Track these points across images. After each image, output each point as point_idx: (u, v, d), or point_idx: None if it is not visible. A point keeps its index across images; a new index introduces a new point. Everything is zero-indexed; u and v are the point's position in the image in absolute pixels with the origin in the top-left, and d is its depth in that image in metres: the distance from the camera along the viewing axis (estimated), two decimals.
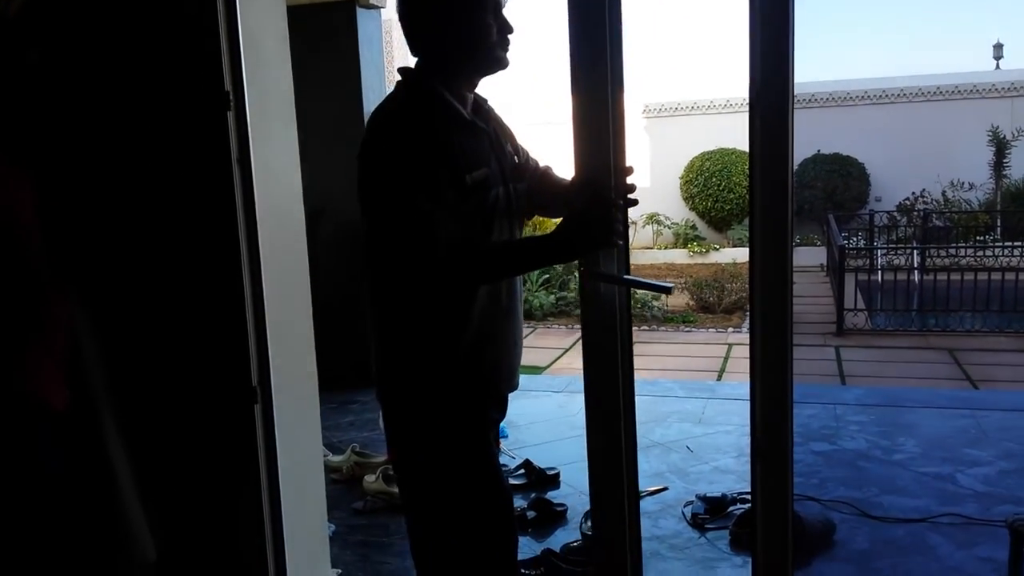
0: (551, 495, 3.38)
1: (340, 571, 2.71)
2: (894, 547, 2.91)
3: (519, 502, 3.16)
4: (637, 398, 5.08)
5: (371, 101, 5.01)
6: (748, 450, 1.77)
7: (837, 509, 3.16)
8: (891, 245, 11.00)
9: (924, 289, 8.98)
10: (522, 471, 3.53)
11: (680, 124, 14.27)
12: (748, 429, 1.74)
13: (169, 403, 2.43)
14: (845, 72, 14.91)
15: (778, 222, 1.62)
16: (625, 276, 1.75)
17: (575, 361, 7.66)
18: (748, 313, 1.84)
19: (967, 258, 9.88)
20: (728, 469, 3.66)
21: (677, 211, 13.51)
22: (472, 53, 1.69)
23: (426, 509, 1.83)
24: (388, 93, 1.77)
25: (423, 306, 1.71)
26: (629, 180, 1.73)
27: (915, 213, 11.93)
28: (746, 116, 1.66)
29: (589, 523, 3.02)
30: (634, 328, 8.04)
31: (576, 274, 9.86)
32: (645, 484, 3.48)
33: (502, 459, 2.28)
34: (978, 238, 11.51)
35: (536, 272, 9.55)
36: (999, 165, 13.08)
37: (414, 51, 1.74)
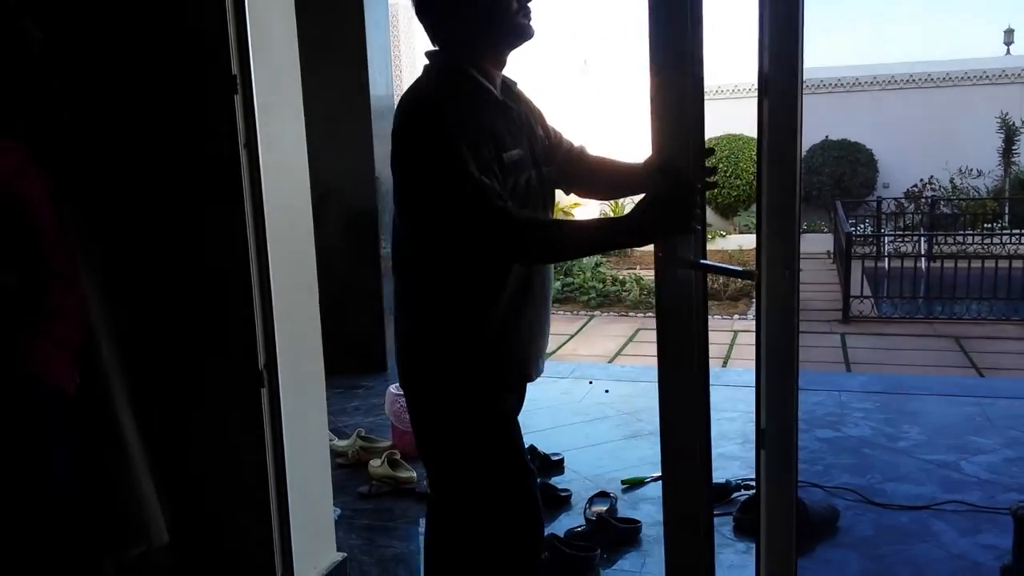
0: (555, 481, 3.39)
1: (345, 554, 2.72)
2: (898, 534, 2.91)
3: None
4: (644, 384, 5.10)
5: (378, 85, 5.00)
6: (753, 437, 1.77)
7: (841, 496, 3.16)
8: (898, 232, 10.97)
9: (931, 276, 8.96)
10: (524, 450, 3.54)
11: None
12: (753, 416, 1.74)
13: (177, 387, 2.44)
14: (854, 58, 14.78)
15: (785, 209, 1.61)
16: (703, 261, 1.69)
17: (580, 347, 7.68)
18: (754, 300, 1.82)
19: (974, 245, 9.85)
20: (732, 455, 3.67)
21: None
22: (496, 27, 1.67)
23: (451, 495, 1.83)
24: (416, 78, 1.74)
25: (454, 291, 1.70)
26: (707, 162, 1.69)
27: (923, 200, 11.88)
28: (754, 102, 1.65)
29: (593, 508, 3.04)
30: (639, 315, 8.04)
31: (580, 264, 9.86)
32: (650, 470, 3.49)
33: None
34: (986, 225, 11.47)
35: None
36: (1008, 152, 13.02)
37: (437, 40, 1.72)
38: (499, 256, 1.68)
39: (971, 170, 13.00)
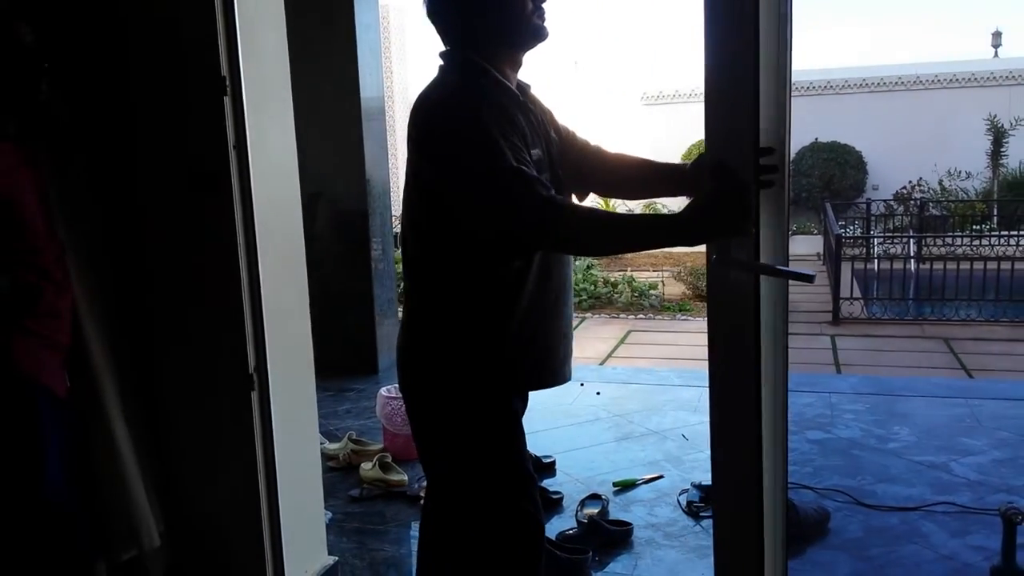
0: (547, 483, 3.39)
1: (336, 558, 2.72)
2: (888, 535, 2.92)
3: None
4: (635, 387, 5.10)
5: (368, 87, 4.99)
6: None
7: (831, 497, 3.17)
8: (888, 234, 11.01)
9: (920, 278, 9.01)
10: (527, 455, 3.53)
11: (679, 111, 14.26)
12: None
13: (167, 390, 2.43)
14: (843, 60, 14.87)
15: (774, 210, 1.60)
16: (763, 263, 1.61)
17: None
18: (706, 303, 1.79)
19: (963, 247, 9.89)
20: None
21: (675, 199, 13.51)
22: (511, 28, 1.66)
23: (452, 498, 1.82)
24: (434, 78, 1.72)
25: (474, 294, 1.68)
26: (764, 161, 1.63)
27: (912, 202, 11.94)
28: None
29: (584, 511, 3.04)
30: (630, 316, 8.03)
31: (578, 262, 9.86)
32: (641, 472, 3.50)
33: None
34: (975, 227, 11.53)
35: None
36: (996, 154, 13.10)
37: (450, 42, 1.71)
38: (546, 245, 1.66)
39: (960, 172, 13.08)
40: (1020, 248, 9.86)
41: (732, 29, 1.56)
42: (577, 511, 3.07)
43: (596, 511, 3.01)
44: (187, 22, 2.20)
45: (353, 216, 5.07)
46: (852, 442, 3.82)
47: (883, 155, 13.62)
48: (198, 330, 2.37)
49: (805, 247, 11.28)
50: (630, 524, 2.98)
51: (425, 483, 1.94)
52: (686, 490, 3.26)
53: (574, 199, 1.85)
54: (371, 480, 3.38)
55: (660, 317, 8.88)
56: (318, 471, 2.68)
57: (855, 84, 14.23)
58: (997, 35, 16.16)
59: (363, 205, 5.03)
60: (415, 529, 1.96)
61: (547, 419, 4.13)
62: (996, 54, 15.85)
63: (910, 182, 12.62)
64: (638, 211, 9.85)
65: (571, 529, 2.93)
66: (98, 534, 2.26)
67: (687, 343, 7.53)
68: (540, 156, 1.67)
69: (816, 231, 12.18)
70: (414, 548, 2.03)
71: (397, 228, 6.25)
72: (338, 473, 3.58)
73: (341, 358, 4.77)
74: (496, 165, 1.54)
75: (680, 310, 9.08)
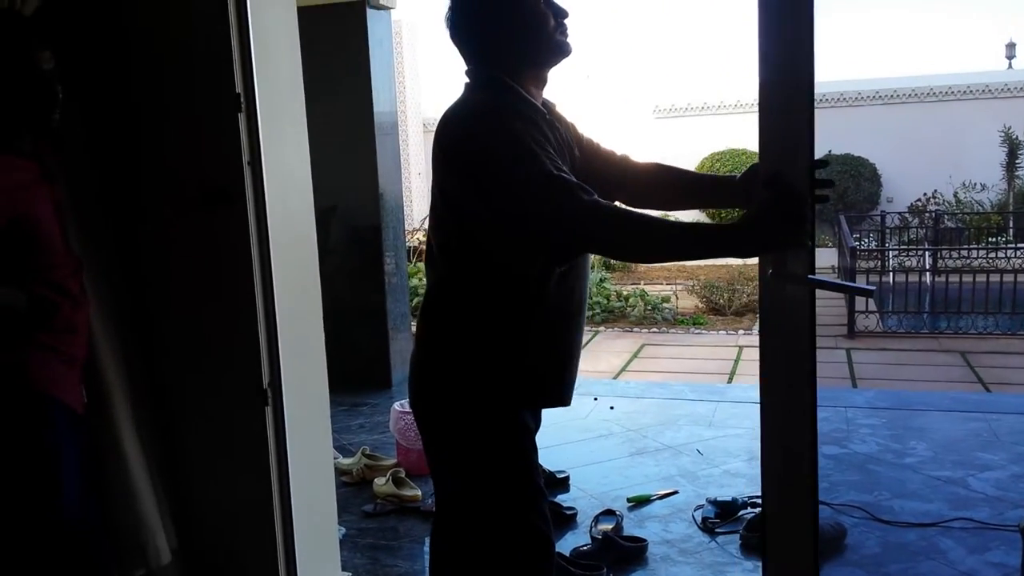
0: (561, 498, 3.38)
1: (350, 574, 2.71)
2: (905, 552, 2.89)
3: None
4: (648, 401, 5.09)
5: (381, 102, 5.02)
6: (759, 453, 1.76)
7: (848, 513, 3.14)
8: (903, 246, 10.94)
9: (936, 291, 8.93)
10: (538, 470, 3.52)
11: (691, 124, 14.26)
12: (759, 432, 1.73)
13: (181, 405, 2.44)
14: (856, 72, 14.84)
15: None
16: (813, 276, 1.60)
17: (584, 363, 7.59)
18: (759, 315, 1.78)
19: (979, 260, 9.82)
20: (738, 473, 3.65)
21: (687, 212, 13.48)
22: (535, 46, 1.67)
23: (461, 513, 1.81)
24: (459, 97, 1.72)
25: (494, 312, 1.68)
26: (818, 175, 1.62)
27: (927, 214, 11.87)
28: (755, 117, 1.64)
29: (598, 526, 3.02)
30: (643, 330, 8.02)
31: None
32: (655, 487, 3.48)
33: None
34: (990, 239, 11.44)
35: None
36: (1011, 166, 13.01)
37: (476, 68, 1.71)
38: (592, 249, 1.65)
39: (975, 184, 12.99)
40: None
41: (789, 38, 1.56)
42: (591, 527, 3.05)
43: (610, 527, 3.00)
44: (203, 41, 2.23)
45: (366, 231, 5.08)
46: (868, 457, 3.79)
47: (897, 167, 13.55)
48: (212, 345, 2.38)
49: (820, 260, 11.14)
50: (645, 540, 2.96)
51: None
52: (701, 506, 3.24)
53: None
54: (385, 495, 3.38)
55: (674, 331, 8.85)
56: (332, 486, 2.68)
57: (868, 96, 14.19)
58: (1011, 47, 16.10)
59: (376, 220, 5.05)
60: (429, 545, 1.96)
61: (560, 434, 4.12)
62: (1010, 65, 15.79)
63: (925, 194, 12.55)
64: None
65: (585, 545, 2.91)
66: (110, 551, 2.26)
67: (701, 357, 7.50)
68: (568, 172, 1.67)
69: (831, 244, 12.11)
70: (428, 564, 2.02)
71: (410, 243, 6.25)
72: (352, 488, 3.57)
73: (354, 372, 4.77)
74: (535, 171, 1.53)
75: (694, 323, 9.04)
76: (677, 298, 9.87)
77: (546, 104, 1.74)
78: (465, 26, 1.70)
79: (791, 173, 1.54)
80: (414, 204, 13.35)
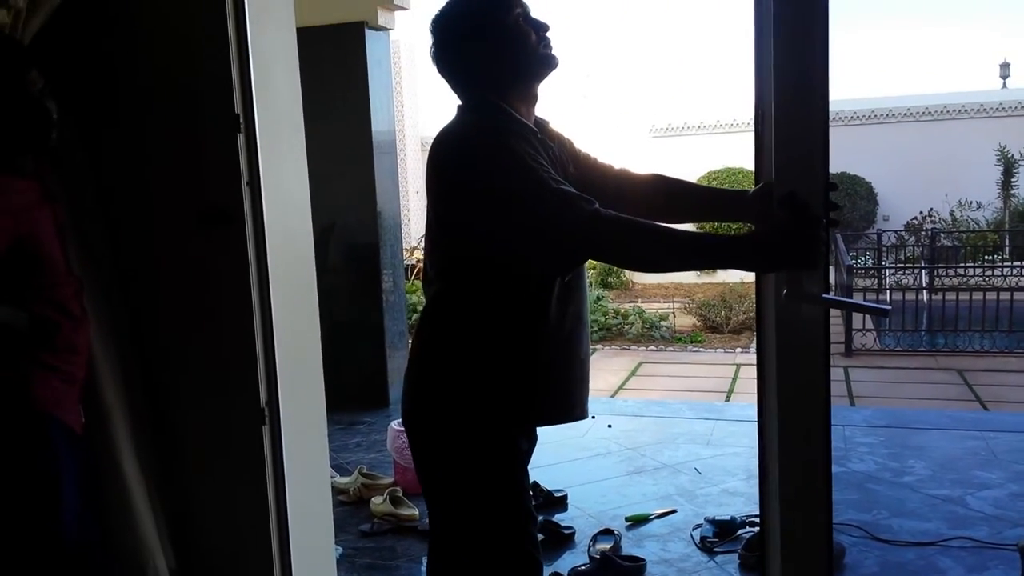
0: (559, 518, 3.37)
1: None
2: (904, 571, 2.88)
3: None
4: (647, 419, 5.07)
5: (380, 121, 5.05)
6: (757, 472, 1.76)
7: (846, 532, 3.13)
8: (899, 265, 10.98)
9: (933, 309, 8.95)
10: (529, 493, 3.51)
11: (687, 143, 14.33)
12: (756, 451, 1.73)
13: (178, 424, 2.43)
14: (852, 91, 14.92)
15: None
16: (833, 297, 1.61)
17: None
18: (756, 333, 1.77)
19: (976, 278, 9.85)
20: (737, 491, 3.64)
21: (684, 230, 13.51)
22: (521, 63, 1.68)
23: (451, 533, 1.81)
24: (452, 119, 1.73)
25: (491, 332, 1.68)
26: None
27: (923, 232, 11.91)
28: (751, 136, 1.64)
29: (596, 546, 3.01)
30: (641, 348, 8.00)
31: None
32: (653, 506, 3.47)
33: None
34: (986, 257, 11.48)
35: None
36: (1007, 184, 13.08)
37: (465, 94, 1.73)
38: (600, 259, 1.66)
39: (971, 202, 13.06)
40: None
41: (805, 55, 1.56)
42: (589, 546, 3.04)
43: (608, 546, 2.99)
44: (202, 61, 2.24)
45: (364, 249, 5.09)
46: (866, 475, 3.79)
47: (893, 186, 13.61)
48: (210, 364, 2.38)
49: None
50: (643, 560, 2.95)
51: None
52: (700, 525, 3.23)
53: None
54: (382, 514, 3.37)
55: (671, 348, 8.85)
56: (329, 505, 2.67)
57: (864, 115, 14.27)
58: (1006, 66, 16.22)
59: (374, 238, 5.06)
60: (426, 565, 1.95)
61: (558, 452, 4.11)
62: (1004, 85, 15.90)
63: (921, 212, 12.60)
64: None
65: (583, 565, 2.90)
66: (110, 570, 2.25)
67: (699, 375, 7.50)
68: None
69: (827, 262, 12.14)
70: None
71: (408, 261, 6.25)
72: (348, 507, 3.56)
73: (352, 391, 4.77)
74: (533, 186, 1.54)
75: (691, 341, 9.05)
76: (675, 316, 9.88)
77: (538, 122, 1.75)
78: (450, 55, 1.71)
79: (806, 193, 1.54)
80: (412, 222, 13.38)
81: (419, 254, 10.71)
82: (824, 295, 1.60)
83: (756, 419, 1.73)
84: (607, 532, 3.14)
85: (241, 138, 2.23)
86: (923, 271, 10.18)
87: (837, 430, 4.38)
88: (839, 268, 9.75)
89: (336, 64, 4.90)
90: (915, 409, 5.64)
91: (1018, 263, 10.80)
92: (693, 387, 7.00)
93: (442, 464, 1.77)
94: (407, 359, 1.83)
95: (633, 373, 7.69)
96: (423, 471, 1.81)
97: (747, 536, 3.07)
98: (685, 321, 9.84)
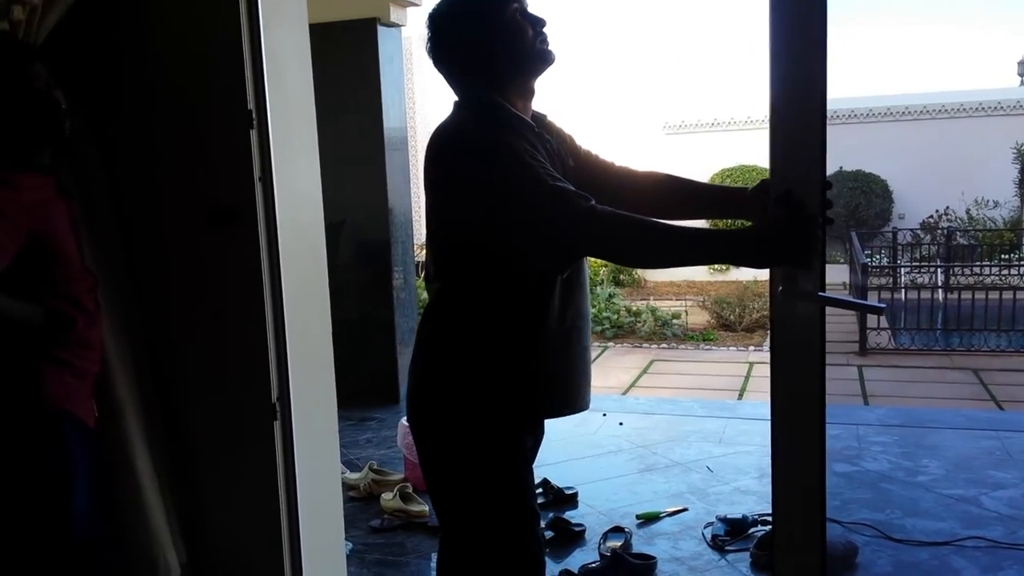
0: (569, 515, 3.36)
1: None
2: (918, 571, 2.86)
3: None
4: (658, 417, 5.05)
5: (391, 118, 5.05)
6: (770, 470, 1.75)
7: (859, 532, 3.11)
8: (915, 263, 10.90)
9: (948, 308, 8.89)
10: (540, 490, 3.51)
11: (701, 141, 14.27)
12: (769, 449, 1.72)
13: (190, 420, 2.44)
14: (868, 89, 14.83)
15: None
16: (828, 295, 1.60)
17: (594, 379, 7.61)
18: (769, 332, 1.77)
19: (991, 277, 9.76)
20: (749, 490, 3.63)
21: (680, 225, 13.43)
22: (517, 58, 1.68)
23: (455, 530, 1.81)
24: (449, 114, 1.73)
25: (491, 328, 1.68)
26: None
27: (939, 231, 11.82)
28: (766, 133, 1.64)
29: (607, 543, 3.00)
30: (653, 346, 7.96)
31: (593, 294, 9.84)
32: (664, 504, 3.46)
33: None
34: (1003, 256, 11.39)
35: None
36: None
37: (462, 89, 1.73)
38: (596, 255, 1.68)
39: (987, 201, 12.95)
40: None
41: (801, 57, 1.56)
42: (600, 544, 3.04)
43: (619, 544, 2.98)
44: (215, 57, 2.24)
45: (375, 246, 5.10)
46: (880, 475, 3.76)
47: (909, 184, 13.51)
48: (221, 359, 2.39)
49: (831, 276, 11.11)
50: (654, 558, 2.94)
51: None
52: (711, 523, 3.22)
53: None
54: (392, 511, 3.37)
55: (683, 347, 8.83)
56: (339, 501, 2.67)
57: (880, 113, 14.17)
58: (1023, 64, 16.08)
59: (385, 235, 5.07)
60: (435, 560, 1.95)
61: (569, 450, 4.11)
62: (1022, 83, 15.76)
63: (937, 211, 12.50)
64: None
65: (594, 562, 2.90)
66: (119, 565, 2.26)
67: (711, 373, 7.47)
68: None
69: (842, 260, 12.07)
70: None
71: (419, 258, 6.26)
72: (359, 503, 3.56)
73: (362, 387, 4.77)
74: (530, 183, 1.55)
75: (704, 339, 9.02)
76: (688, 314, 9.85)
77: (536, 116, 1.75)
78: (446, 50, 1.72)
79: (803, 192, 1.54)
80: (423, 219, 13.37)
81: None
82: (821, 293, 1.60)
83: (769, 417, 1.72)
84: (618, 530, 3.13)
85: (254, 134, 2.23)
86: (939, 270, 10.11)
87: (851, 429, 4.35)
88: (854, 266, 9.70)
89: (348, 61, 4.91)
90: (930, 408, 5.60)
91: None
92: (705, 385, 6.97)
93: (445, 462, 1.78)
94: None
95: (645, 371, 7.67)
96: (427, 468, 1.82)
97: (759, 535, 3.05)
98: (698, 319, 9.80)
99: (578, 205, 1.53)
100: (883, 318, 8.41)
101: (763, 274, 1.71)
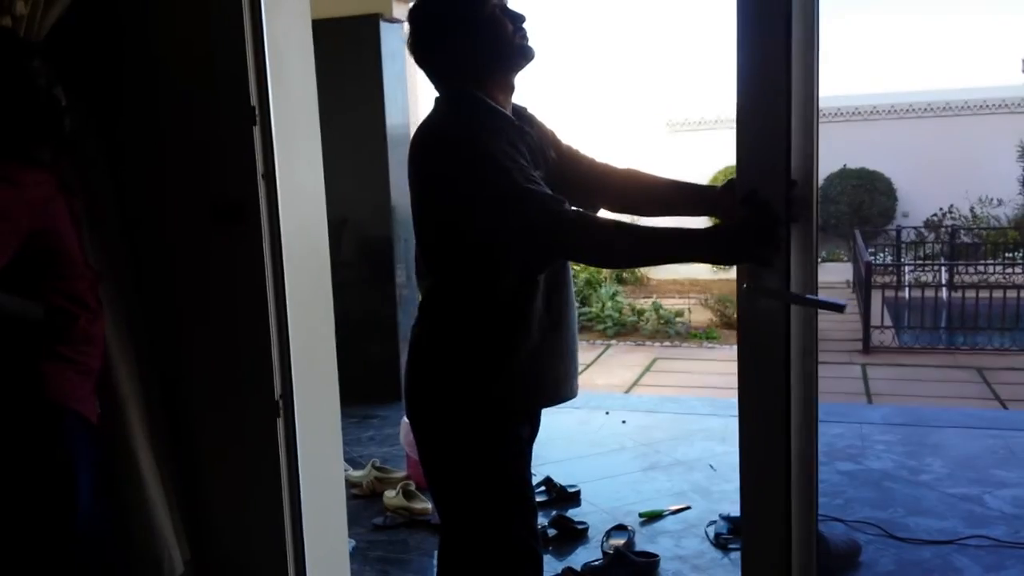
0: (572, 513, 3.35)
1: None
2: (921, 569, 2.86)
3: (540, 519, 3.14)
4: (661, 415, 5.04)
5: (394, 114, 5.04)
6: None
7: (862, 530, 3.11)
8: (918, 261, 10.89)
9: (952, 306, 8.88)
10: (543, 488, 3.51)
11: (704, 138, 14.25)
12: None
13: (193, 417, 2.44)
14: (872, 86, 14.78)
15: (802, 239, 1.60)
16: (793, 293, 1.62)
17: (597, 377, 7.63)
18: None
19: (996, 275, 9.75)
20: None
21: (701, 225, 13.44)
22: (497, 54, 1.70)
23: (455, 525, 1.82)
24: (431, 111, 1.75)
25: (477, 322, 1.70)
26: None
27: (943, 229, 11.80)
28: None
29: (610, 542, 3.00)
30: (656, 344, 7.95)
31: (597, 293, 9.83)
32: (667, 503, 3.45)
33: None
34: (1007, 255, 11.37)
35: None
36: None
37: (443, 84, 1.75)
38: (568, 257, 1.72)
39: (991, 199, 12.91)
40: None
41: (765, 57, 1.57)
42: (602, 542, 3.03)
43: (622, 542, 2.97)
44: (218, 54, 2.24)
45: (378, 242, 5.09)
46: (883, 473, 3.75)
47: (913, 182, 13.48)
48: (224, 356, 2.38)
49: (835, 275, 11.15)
50: (657, 556, 2.94)
51: None
52: (714, 522, 3.21)
53: None
54: (395, 508, 3.37)
55: (687, 345, 8.82)
56: (342, 499, 2.67)
57: (884, 110, 14.14)
58: None
59: (388, 231, 5.06)
60: (437, 557, 1.95)
61: (572, 448, 4.10)
62: None
63: (941, 209, 12.47)
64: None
65: (596, 560, 2.89)
66: (122, 563, 2.26)
67: (714, 371, 7.47)
68: (542, 177, 1.69)
69: (846, 258, 12.06)
70: None
71: None
72: (361, 501, 3.56)
73: (365, 384, 4.77)
74: (506, 187, 1.57)
75: (707, 338, 9.01)
76: (691, 312, 9.84)
77: (516, 110, 1.77)
78: (427, 45, 1.74)
79: (767, 192, 1.58)
80: None
81: None
82: (787, 291, 1.62)
83: None
84: (621, 528, 3.13)
85: (257, 130, 2.23)
86: (943, 268, 10.10)
87: (854, 427, 4.34)
88: (857, 265, 9.68)
89: (350, 57, 4.90)
90: (933, 407, 5.60)
91: None
92: (708, 383, 6.97)
93: (439, 453, 1.80)
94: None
95: (648, 369, 7.66)
96: (425, 461, 1.84)
97: None
98: (701, 317, 9.80)
99: (550, 208, 1.56)
100: (887, 316, 8.40)
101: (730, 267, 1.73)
